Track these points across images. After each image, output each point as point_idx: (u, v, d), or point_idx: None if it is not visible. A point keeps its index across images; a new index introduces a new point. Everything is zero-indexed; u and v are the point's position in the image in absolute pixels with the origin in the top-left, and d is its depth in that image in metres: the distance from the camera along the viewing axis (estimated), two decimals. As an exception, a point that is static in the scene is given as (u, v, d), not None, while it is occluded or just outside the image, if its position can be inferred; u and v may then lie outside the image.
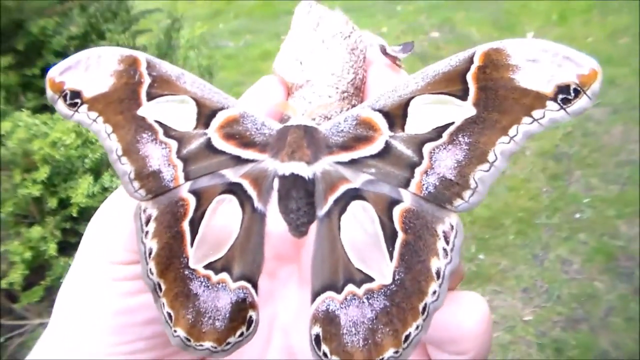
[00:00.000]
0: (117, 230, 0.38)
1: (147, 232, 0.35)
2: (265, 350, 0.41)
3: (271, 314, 0.39)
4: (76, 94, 0.36)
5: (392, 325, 0.32)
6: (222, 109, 0.36)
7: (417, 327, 0.32)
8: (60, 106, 0.36)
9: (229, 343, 0.34)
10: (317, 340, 0.33)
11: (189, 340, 0.34)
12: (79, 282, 0.39)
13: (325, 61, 0.37)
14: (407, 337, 0.32)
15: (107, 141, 0.36)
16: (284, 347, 0.41)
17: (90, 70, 0.36)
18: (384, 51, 0.38)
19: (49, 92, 0.36)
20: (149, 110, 0.36)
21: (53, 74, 0.36)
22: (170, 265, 0.35)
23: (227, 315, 0.34)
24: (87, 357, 0.37)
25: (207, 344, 0.34)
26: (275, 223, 0.36)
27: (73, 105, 0.36)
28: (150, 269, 0.34)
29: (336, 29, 0.37)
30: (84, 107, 0.36)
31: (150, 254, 0.35)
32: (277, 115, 0.38)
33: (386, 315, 0.32)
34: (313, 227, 0.35)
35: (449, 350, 0.35)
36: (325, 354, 0.33)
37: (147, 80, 0.36)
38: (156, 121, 0.36)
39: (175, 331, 0.34)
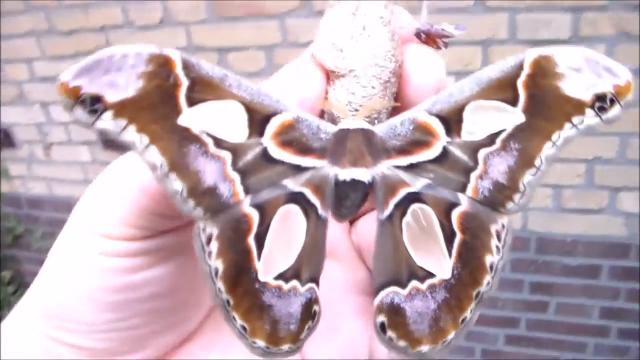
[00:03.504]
0: (116, 202, 0.33)
1: (209, 252, 0.32)
2: None
3: None
4: (96, 100, 0.29)
5: (452, 312, 0.34)
6: (274, 113, 0.32)
7: (471, 311, 0.34)
8: (79, 114, 0.29)
9: (301, 339, 0.34)
10: (382, 327, 0.35)
11: (269, 348, 0.34)
12: (66, 255, 0.35)
13: (368, 50, 0.33)
14: (463, 320, 0.34)
15: (147, 154, 0.30)
16: None
17: (112, 72, 0.28)
18: (427, 30, 0.34)
19: (63, 99, 0.28)
20: (191, 118, 0.30)
21: (66, 77, 0.28)
22: (239, 282, 0.32)
23: (299, 317, 0.34)
24: (78, 332, 0.35)
25: (286, 347, 0.34)
26: None
27: (94, 112, 0.29)
28: (219, 289, 0.32)
29: (377, 14, 0.33)
30: (109, 113, 0.29)
31: (216, 273, 0.32)
32: (314, 110, 0.34)
33: (447, 305, 0.34)
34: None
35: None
36: (390, 339, 0.35)
37: (184, 83, 0.30)
38: (203, 131, 0.31)
39: (254, 342, 0.33)
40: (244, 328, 0.33)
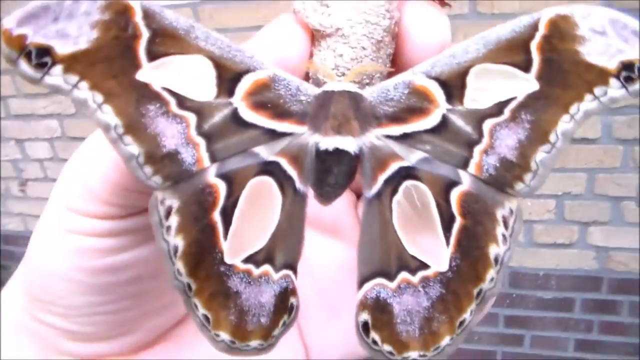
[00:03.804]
0: (87, 177, 0.30)
1: (168, 228, 0.27)
2: None
3: None
4: (44, 52, 0.25)
5: (447, 312, 0.29)
6: (247, 71, 0.28)
7: (471, 312, 0.29)
8: (24, 68, 0.25)
9: (273, 336, 0.30)
10: (365, 327, 0.30)
11: (234, 343, 0.29)
12: (41, 234, 0.32)
13: (357, 4, 0.29)
14: (461, 323, 0.29)
15: (99, 114, 0.26)
16: None
17: (61, 19, 0.24)
18: None
19: (5, 50, 0.24)
20: (152, 74, 0.26)
21: (9, 24, 0.24)
22: (202, 263, 0.28)
23: (272, 309, 0.29)
24: (61, 315, 0.32)
25: (254, 343, 0.29)
26: None
27: (41, 65, 0.25)
28: (177, 270, 0.28)
29: None
30: (58, 68, 0.25)
31: (175, 252, 0.28)
32: (297, 73, 0.30)
33: (442, 303, 0.29)
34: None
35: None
36: (374, 342, 0.30)
37: (145, 35, 0.26)
38: (165, 89, 0.27)
39: (217, 335, 0.29)
40: (207, 318, 0.29)
